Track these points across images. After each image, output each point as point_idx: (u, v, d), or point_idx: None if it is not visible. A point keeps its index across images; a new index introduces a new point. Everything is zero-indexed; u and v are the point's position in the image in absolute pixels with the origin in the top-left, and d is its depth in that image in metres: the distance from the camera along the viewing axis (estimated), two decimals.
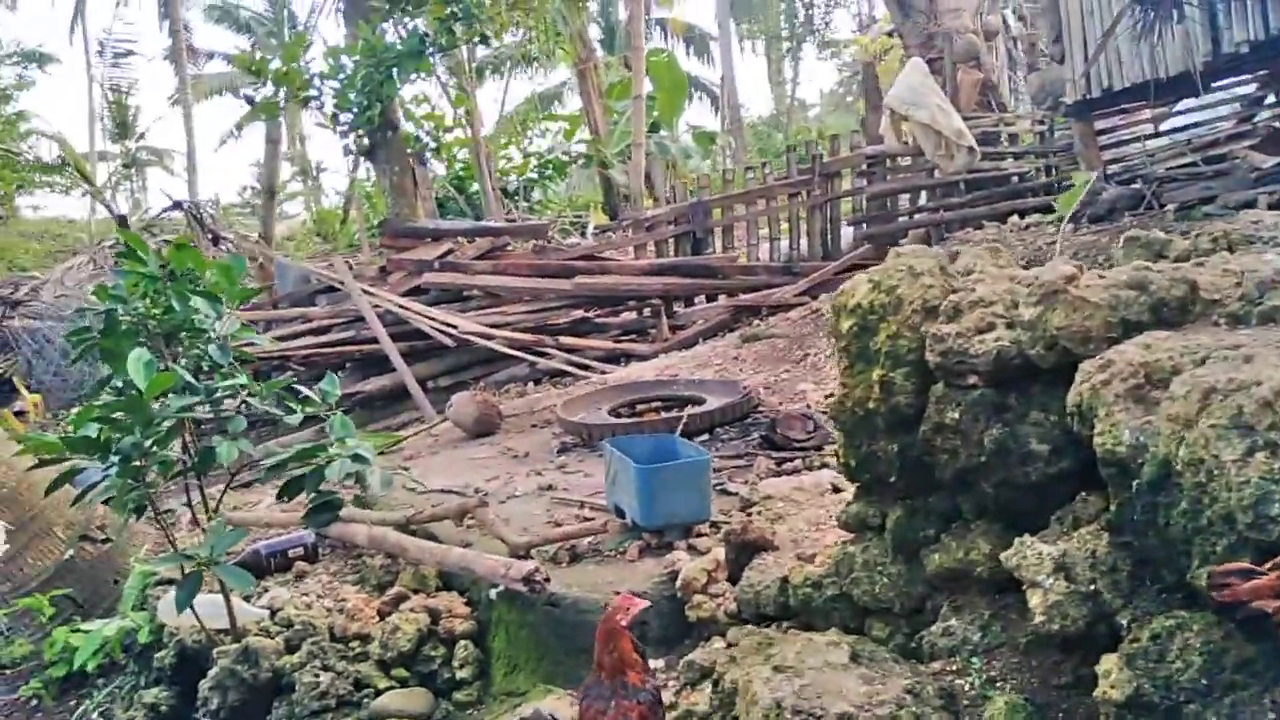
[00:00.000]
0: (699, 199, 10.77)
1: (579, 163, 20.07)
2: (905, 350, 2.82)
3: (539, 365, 9.21)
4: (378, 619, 4.17)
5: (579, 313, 9.84)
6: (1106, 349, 2.35)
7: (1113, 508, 2.18)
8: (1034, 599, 2.24)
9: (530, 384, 9.10)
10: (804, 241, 10.73)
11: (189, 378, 4.01)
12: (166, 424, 3.93)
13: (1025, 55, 15.51)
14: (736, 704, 2.38)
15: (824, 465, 4.74)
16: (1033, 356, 2.51)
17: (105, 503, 6.08)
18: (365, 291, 9.55)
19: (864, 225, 10.23)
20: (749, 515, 4.00)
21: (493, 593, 3.97)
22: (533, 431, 7.01)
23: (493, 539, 4.40)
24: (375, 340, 9.18)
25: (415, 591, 4.36)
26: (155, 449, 3.91)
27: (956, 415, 2.61)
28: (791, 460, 4.96)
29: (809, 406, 5.84)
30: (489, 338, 9.11)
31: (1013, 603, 2.63)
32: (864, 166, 10.10)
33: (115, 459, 3.89)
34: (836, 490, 4.13)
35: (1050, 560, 2.24)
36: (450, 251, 10.31)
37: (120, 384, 4.20)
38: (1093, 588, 2.16)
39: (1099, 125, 9.22)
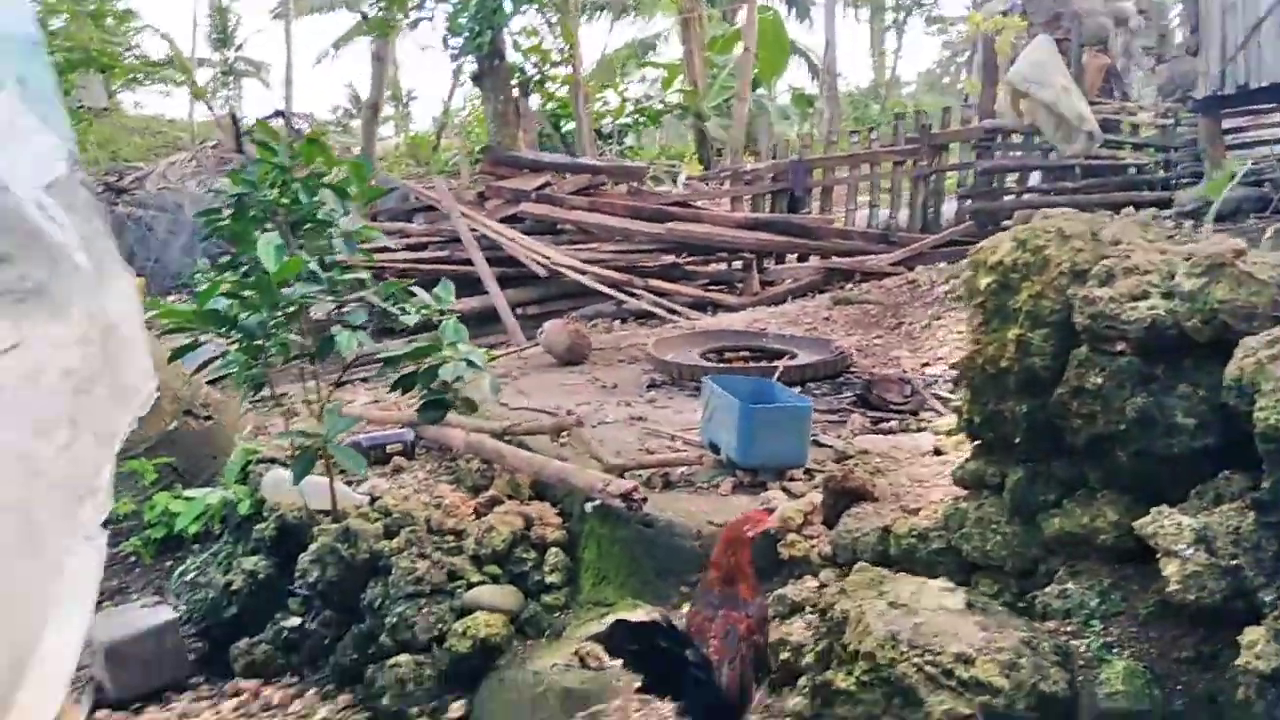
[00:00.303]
0: (801, 158, 10.65)
1: (674, 113, 19.95)
2: (1047, 311, 2.80)
3: (626, 305, 9.27)
4: (473, 517, 4.31)
5: (669, 258, 9.86)
6: (1270, 327, 2.32)
7: (1265, 484, 2.16)
8: (1169, 568, 2.24)
9: (616, 322, 9.17)
10: (903, 213, 10.58)
11: (314, 267, 4.13)
12: (290, 308, 4.07)
13: (1142, 49, 14.98)
14: (846, 633, 2.43)
15: (920, 429, 4.72)
16: (1188, 328, 2.48)
17: (212, 383, 6.35)
18: (463, 214, 9.67)
19: (968, 201, 10.03)
20: (847, 466, 4.02)
21: (589, 506, 4.06)
22: (620, 366, 7.09)
23: (586, 459, 4.50)
24: (469, 262, 9.32)
25: (509, 497, 4.48)
26: (276, 331, 4.06)
27: (1099, 380, 2.59)
28: (887, 421, 4.95)
29: (905, 372, 5.81)
30: (581, 272, 9.18)
31: (1133, 574, 2.63)
32: (976, 140, 9.88)
33: (239, 336, 4.06)
34: (938, 453, 4.12)
35: (1191, 531, 2.23)
36: (547, 184, 10.38)
37: (245, 267, 4.36)
38: (1234, 562, 2.15)
39: (1224, 124, 8.89)
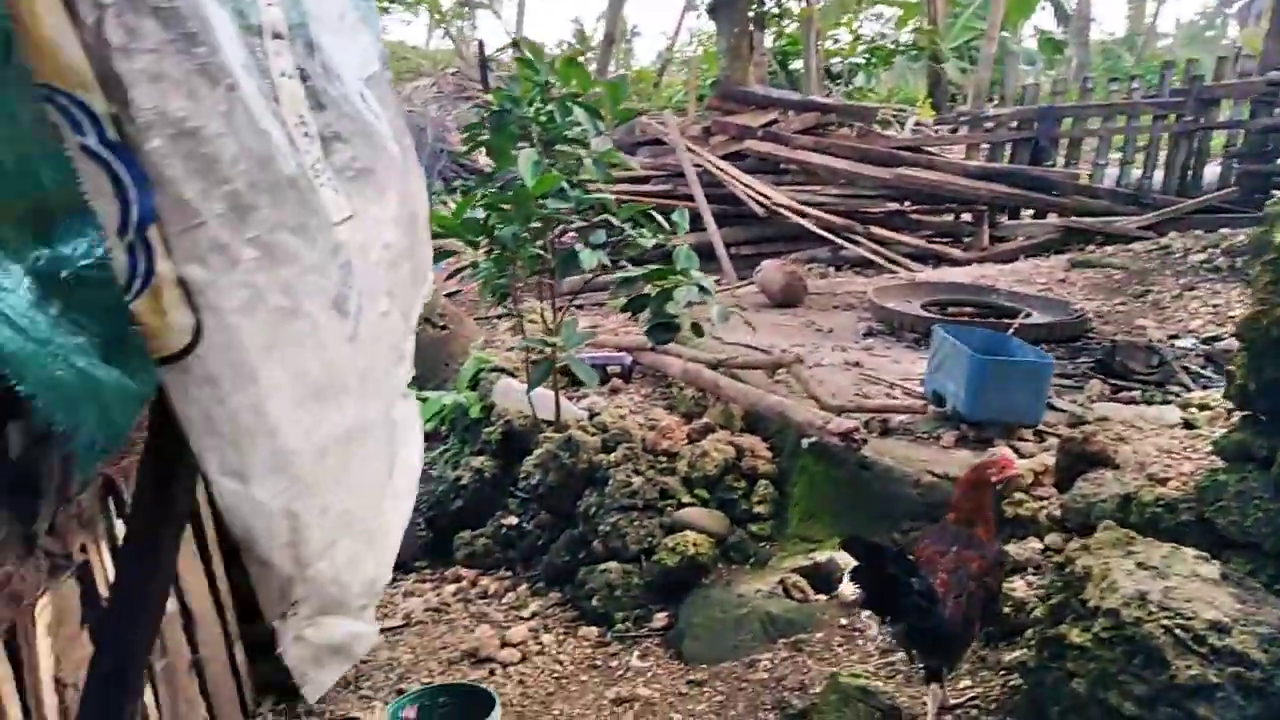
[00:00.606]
0: (1051, 105, 9.95)
1: (908, 53, 19.09)
2: None
3: (844, 251, 9.06)
4: (686, 442, 4.41)
5: (894, 205, 9.53)
6: None
7: None
8: None
9: (831, 268, 9.01)
10: (1159, 173, 9.70)
11: (565, 184, 4.29)
12: (541, 222, 4.25)
13: None
14: (1086, 589, 2.33)
15: (1167, 402, 4.39)
16: None
17: (449, 295, 6.77)
18: (688, 149, 9.72)
19: (1238, 162, 9.08)
20: (1087, 430, 3.80)
21: (805, 442, 4.07)
22: (835, 312, 6.98)
23: (801, 398, 4.49)
24: (689, 197, 9.37)
25: (721, 427, 4.55)
26: (526, 244, 4.26)
27: None
28: (1130, 390, 4.63)
29: (1150, 341, 5.40)
30: (801, 214, 9.05)
31: None
32: (1256, 96, 8.89)
33: (492, 246, 4.29)
34: (1189, 426, 3.83)
35: None
36: (774, 122, 10.23)
37: (500, 182, 4.58)
38: None
39: None
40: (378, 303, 1.78)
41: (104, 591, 2.31)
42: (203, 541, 3.07)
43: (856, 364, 5.34)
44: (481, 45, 12.56)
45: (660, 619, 3.82)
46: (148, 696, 2.55)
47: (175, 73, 1.05)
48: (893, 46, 18.92)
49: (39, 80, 0.95)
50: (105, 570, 2.37)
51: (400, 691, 3.37)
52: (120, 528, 2.42)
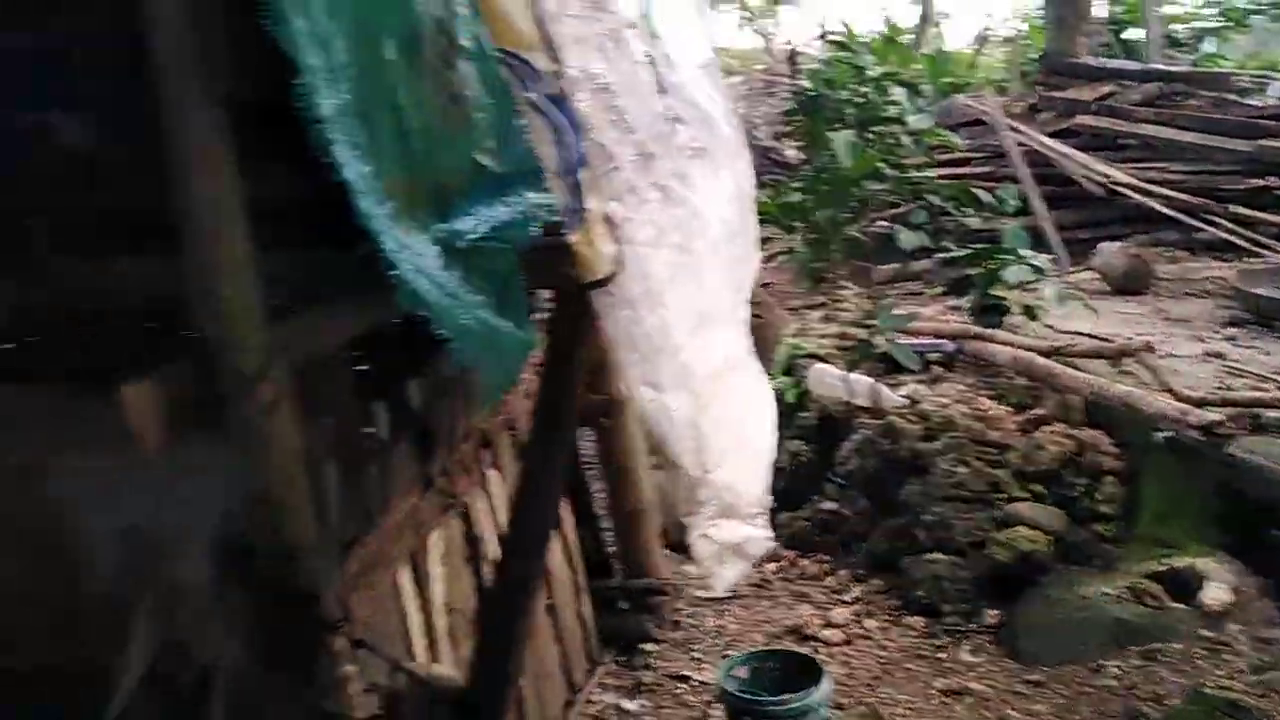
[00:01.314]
0: None
1: (1270, 13, 16.69)
2: None
3: (1196, 235, 8.11)
4: (1018, 433, 4.17)
5: (1257, 181, 8.38)
6: None
7: None
8: None
9: (1181, 252, 8.10)
10: None
11: (882, 165, 4.21)
12: (858, 205, 4.21)
13: None
14: None
15: None
16: None
17: (762, 285, 6.88)
18: (1011, 128, 9.14)
19: None
20: None
21: (1159, 436, 3.71)
22: (1189, 299, 6.31)
23: (1153, 389, 4.08)
24: (1012, 179, 8.79)
25: (1057, 420, 4.25)
26: (843, 226, 4.24)
27: None
28: None
29: None
30: (1148, 193, 8.21)
31: None
32: None
33: (808, 230, 4.30)
34: None
35: None
36: (1111, 94, 9.36)
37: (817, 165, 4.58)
38: None
39: None
40: (717, 272, 1.89)
41: (480, 532, 2.63)
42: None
43: (1218, 355, 4.81)
44: (791, 41, 12.54)
45: (992, 615, 3.66)
46: None
47: (591, 37, 1.18)
48: (1249, 6, 16.63)
49: (498, 46, 1.10)
50: (480, 512, 2.69)
51: (727, 656, 3.48)
52: (493, 476, 2.74)
